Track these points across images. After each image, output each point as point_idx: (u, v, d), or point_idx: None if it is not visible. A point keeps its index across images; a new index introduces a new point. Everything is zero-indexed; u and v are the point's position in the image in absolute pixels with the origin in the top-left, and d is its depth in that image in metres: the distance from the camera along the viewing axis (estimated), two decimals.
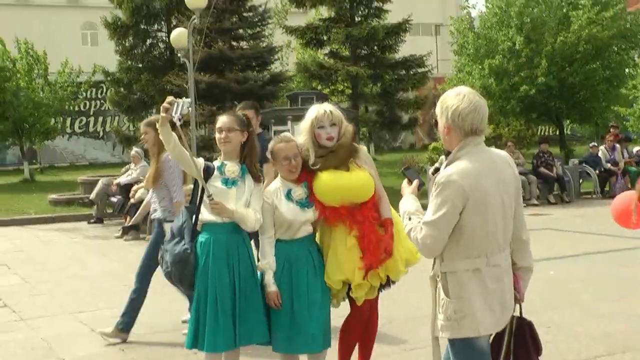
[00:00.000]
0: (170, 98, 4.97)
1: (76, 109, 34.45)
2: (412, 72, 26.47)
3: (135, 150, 16.06)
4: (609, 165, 19.94)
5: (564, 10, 24.64)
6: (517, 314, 4.15)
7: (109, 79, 27.58)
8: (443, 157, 4.08)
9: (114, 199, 16.24)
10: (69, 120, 35.98)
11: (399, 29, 25.74)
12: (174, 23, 25.80)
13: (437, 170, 4.04)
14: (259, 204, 5.15)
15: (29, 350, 7.28)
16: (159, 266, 7.38)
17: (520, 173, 16.57)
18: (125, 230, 7.46)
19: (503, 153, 4.15)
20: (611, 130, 21.88)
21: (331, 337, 5.27)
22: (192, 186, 7.65)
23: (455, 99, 3.93)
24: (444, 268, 3.96)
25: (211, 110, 22.10)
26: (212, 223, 5.14)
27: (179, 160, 5.15)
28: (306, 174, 5.21)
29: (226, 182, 5.15)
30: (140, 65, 27.08)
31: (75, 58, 31.17)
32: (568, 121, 29.67)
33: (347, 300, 5.33)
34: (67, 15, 42.13)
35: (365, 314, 5.34)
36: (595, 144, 21.29)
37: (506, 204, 3.96)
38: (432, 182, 3.94)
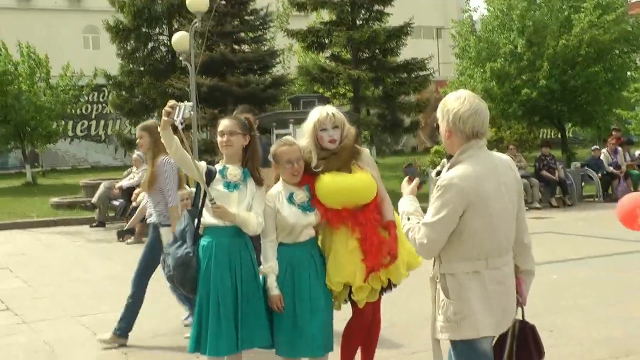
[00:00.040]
0: (172, 102, 4.96)
1: (78, 112, 34.52)
2: (413, 76, 26.46)
3: (137, 153, 16.05)
4: (611, 168, 19.92)
5: (566, 14, 24.62)
6: (519, 317, 4.14)
7: (111, 82, 27.58)
8: (445, 160, 4.08)
9: (116, 203, 16.26)
10: (71, 123, 36.01)
11: (401, 33, 25.72)
12: (176, 27, 25.81)
13: (439, 173, 4.04)
14: (261, 207, 5.15)
15: (31, 354, 7.28)
16: (156, 270, 7.42)
17: (523, 176, 16.55)
18: (121, 235, 7.45)
19: (505, 157, 4.15)
20: (613, 133, 21.86)
21: (334, 341, 5.27)
22: (188, 190, 7.71)
23: (456, 103, 3.93)
24: (443, 270, 3.97)
25: (213, 113, 22.11)
26: (214, 227, 5.14)
27: (181, 164, 5.15)
28: (308, 177, 5.21)
29: (228, 185, 5.15)
30: (142, 69, 27.09)
31: (78, 62, 31.21)
32: (570, 124, 29.63)
33: (349, 303, 5.33)
34: (69, 19, 42.16)
35: (368, 317, 5.33)
36: (598, 148, 21.28)
37: (508, 207, 3.96)
38: (433, 185, 3.94)
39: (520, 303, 4.12)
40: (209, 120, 22.10)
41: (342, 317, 5.40)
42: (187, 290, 5.29)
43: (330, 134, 5.20)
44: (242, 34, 25.85)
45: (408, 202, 4.16)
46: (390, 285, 5.31)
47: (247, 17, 25.74)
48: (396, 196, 4.50)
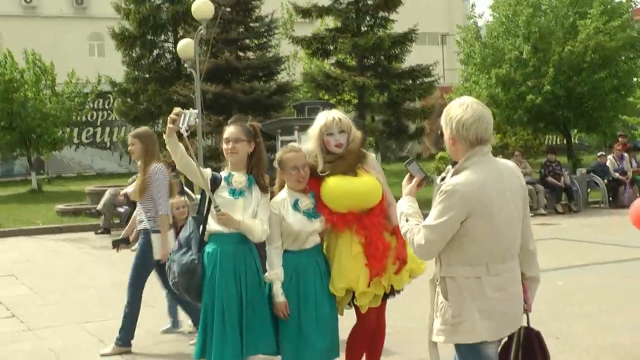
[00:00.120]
0: (177, 109, 4.96)
1: (83, 119, 34.54)
2: (418, 82, 26.42)
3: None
4: (617, 174, 19.88)
5: (571, 20, 24.61)
6: (524, 324, 4.13)
7: (115, 89, 27.63)
8: (450, 166, 4.07)
9: (121, 209, 16.27)
10: (76, 130, 36.03)
11: (405, 39, 25.70)
12: (181, 34, 25.84)
13: (444, 179, 4.04)
14: (266, 214, 5.15)
15: None
16: (148, 277, 7.43)
17: (528, 183, 16.51)
18: (116, 244, 7.45)
19: (510, 163, 4.15)
20: (619, 139, 21.83)
21: (339, 347, 5.26)
22: (183, 199, 7.71)
23: (459, 109, 3.94)
24: (443, 273, 3.97)
25: (218, 120, 22.10)
26: (219, 233, 5.14)
27: (186, 171, 5.14)
28: (314, 180, 5.21)
29: (233, 192, 5.15)
30: (147, 76, 27.11)
31: (83, 69, 31.23)
32: (576, 130, 29.60)
33: (353, 308, 5.32)
34: (74, 26, 42.21)
35: (371, 323, 5.32)
36: (603, 153, 21.23)
37: (513, 214, 3.96)
38: (436, 190, 3.94)
39: (525, 309, 4.12)
40: (214, 127, 22.10)
41: (346, 324, 5.39)
42: (192, 297, 5.30)
43: (337, 138, 5.21)
44: (247, 41, 25.87)
45: (406, 203, 4.14)
46: (393, 291, 5.30)
47: (251, 24, 25.75)
48: None
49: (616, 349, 6.88)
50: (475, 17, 26.99)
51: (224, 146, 5.23)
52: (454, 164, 4.02)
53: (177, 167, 5.22)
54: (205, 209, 5.19)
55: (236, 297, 5.09)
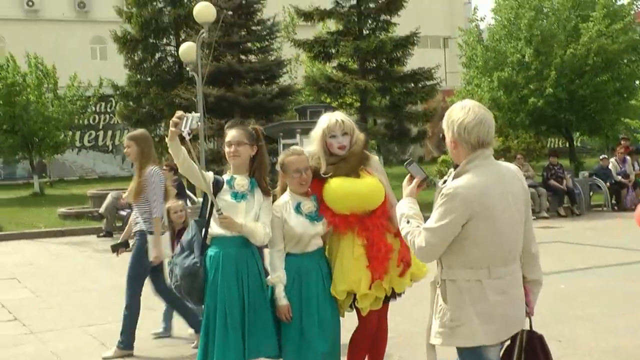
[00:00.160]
0: (179, 112, 4.96)
1: (85, 122, 34.57)
2: (420, 85, 26.41)
3: None
4: (619, 177, 19.85)
5: (573, 23, 24.61)
6: (527, 327, 4.13)
7: (118, 92, 27.65)
8: (452, 169, 4.07)
9: (123, 213, 16.27)
10: (78, 134, 36.08)
11: (407, 42, 25.70)
12: (183, 37, 25.87)
13: (446, 182, 4.04)
14: (268, 217, 5.15)
15: None
16: (146, 279, 7.42)
17: (530, 186, 16.51)
18: (115, 248, 7.43)
19: (512, 166, 4.15)
20: (622, 142, 21.81)
21: (341, 350, 5.25)
22: (181, 203, 7.71)
23: (461, 113, 3.94)
24: (444, 275, 3.98)
25: (220, 123, 22.09)
26: (221, 237, 5.14)
27: (188, 174, 5.14)
28: (316, 182, 5.21)
29: (235, 195, 5.15)
30: (149, 79, 27.13)
31: (85, 72, 31.28)
32: (578, 133, 29.57)
33: (354, 311, 5.31)
34: (76, 30, 42.30)
35: (373, 326, 5.31)
36: (606, 156, 21.22)
37: (515, 217, 3.96)
38: (437, 192, 3.94)
39: (528, 313, 4.11)
40: (216, 130, 22.10)
41: (348, 325, 5.39)
42: (194, 300, 5.30)
43: (339, 141, 5.21)
44: (249, 44, 25.89)
45: (407, 204, 4.13)
46: (394, 294, 5.29)
47: (253, 27, 25.77)
48: None
49: (618, 352, 6.87)
50: (477, 20, 26.99)
51: (226, 149, 5.23)
52: (455, 167, 4.02)
53: (179, 171, 5.22)
54: (208, 212, 5.19)
55: (238, 300, 5.09)
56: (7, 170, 35.98)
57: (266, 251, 5.24)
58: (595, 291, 9.55)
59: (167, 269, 7.52)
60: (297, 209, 5.14)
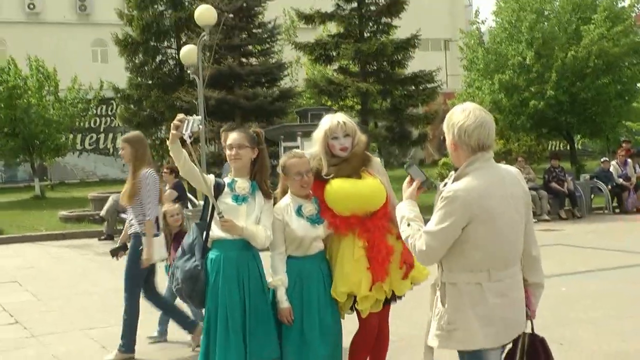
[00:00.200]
0: (181, 115, 4.97)
1: (86, 125, 34.59)
2: (421, 88, 26.44)
3: None
4: (620, 180, 19.82)
5: (574, 26, 24.60)
6: (528, 330, 4.12)
7: (118, 95, 27.66)
8: (453, 172, 4.07)
9: (124, 215, 16.20)
10: (79, 136, 36.10)
11: (408, 45, 25.74)
12: (184, 40, 25.86)
13: (446, 185, 4.04)
14: (269, 220, 5.14)
15: None
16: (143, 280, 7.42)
17: (531, 188, 16.51)
18: (114, 253, 7.42)
19: (512, 169, 4.14)
20: (623, 145, 21.79)
21: (342, 354, 5.24)
22: (177, 206, 7.70)
23: (461, 116, 3.94)
24: (444, 278, 3.98)
25: (221, 126, 22.09)
26: (222, 240, 5.14)
27: (189, 177, 5.14)
28: (318, 183, 5.20)
29: (236, 198, 5.15)
30: (150, 82, 27.13)
31: (86, 75, 31.31)
32: (579, 136, 29.55)
33: (355, 315, 5.30)
34: (77, 33, 42.34)
35: (373, 328, 5.30)
36: (607, 159, 21.19)
37: (515, 220, 3.95)
38: (438, 195, 3.93)
39: (529, 316, 4.10)
40: (217, 133, 22.03)
41: (349, 328, 5.38)
42: (195, 303, 5.31)
43: (341, 142, 5.21)
44: (250, 47, 25.89)
45: (407, 207, 4.13)
46: (394, 297, 5.28)
47: (254, 30, 25.77)
48: None
49: (621, 355, 6.86)
50: (478, 22, 26.96)
51: (227, 152, 5.23)
52: (456, 169, 4.02)
53: (180, 173, 5.22)
54: (209, 215, 5.19)
55: (239, 303, 5.08)
56: (8, 173, 35.99)
57: (267, 254, 5.24)
58: (598, 294, 9.54)
59: (159, 272, 7.56)
60: (299, 211, 5.14)
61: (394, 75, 26.31)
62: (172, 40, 27.58)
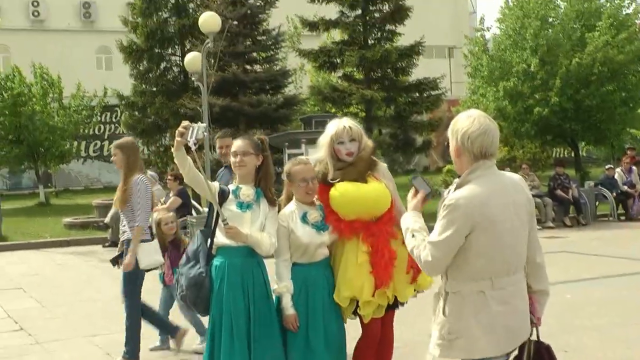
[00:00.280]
0: (185, 122, 4.97)
1: (91, 132, 34.65)
2: (425, 95, 26.46)
3: (149, 173, 16.06)
4: (625, 187, 19.79)
5: (578, 33, 24.60)
6: (534, 337, 4.11)
7: (123, 102, 27.71)
8: (457, 179, 4.07)
9: None
10: (83, 144, 36.15)
11: (412, 52, 25.77)
12: (188, 47, 25.93)
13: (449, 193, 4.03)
14: (273, 227, 5.14)
15: None
16: (142, 285, 7.41)
17: (536, 195, 16.48)
18: (115, 261, 7.41)
19: (516, 176, 4.14)
20: (628, 152, 21.76)
21: None
22: (171, 214, 7.70)
23: (466, 122, 3.94)
24: (448, 287, 3.97)
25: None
26: (226, 247, 5.13)
27: (194, 184, 5.14)
28: (323, 187, 5.20)
29: (241, 205, 5.14)
30: (154, 89, 27.20)
31: (90, 82, 31.34)
32: (583, 143, 29.53)
33: (358, 320, 5.28)
34: (81, 40, 42.42)
35: (376, 334, 5.29)
36: (612, 166, 21.16)
37: (517, 227, 3.94)
38: (441, 203, 3.93)
39: (534, 323, 4.09)
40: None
41: (352, 333, 5.36)
42: (200, 310, 5.29)
43: (347, 147, 5.21)
44: (254, 54, 25.96)
45: (412, 218, 4.12)
46: (396, 303, 5.27)
47: (259, 37, 25.84)
48: None
49: None
50: (482, 29, 27.00)
51: (232, 159, 5.23)
52: (459, 177, 4.01)
53: (184, 180, 5.22)
54: (213, 222, 5.18)
55: (244, 310, 5.07)
56: (12, 180, 36.02)
57: (271, 261, 5.23)
58: (602, 301, 9.51)
59: (153, 280, 7.55)
60: (304, 218, 5.14)
61: (398, 82, 26.33)
62: (177, 47, 27.66)
